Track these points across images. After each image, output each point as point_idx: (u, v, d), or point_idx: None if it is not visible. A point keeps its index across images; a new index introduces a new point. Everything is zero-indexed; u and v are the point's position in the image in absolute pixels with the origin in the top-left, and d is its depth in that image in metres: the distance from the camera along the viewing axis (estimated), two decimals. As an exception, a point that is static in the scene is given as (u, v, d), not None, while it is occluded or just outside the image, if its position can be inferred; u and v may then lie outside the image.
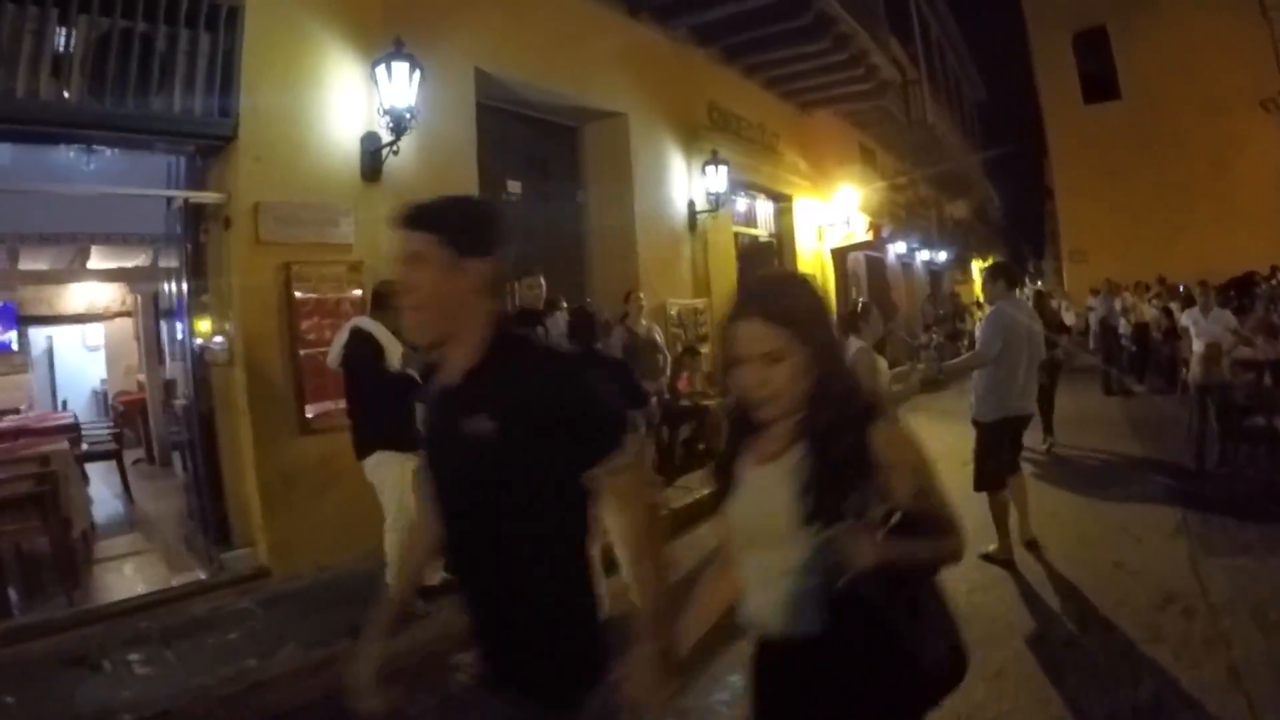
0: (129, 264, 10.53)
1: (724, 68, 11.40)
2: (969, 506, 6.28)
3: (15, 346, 11.03)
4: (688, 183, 10.29)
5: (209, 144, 5.81)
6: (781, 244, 13.10)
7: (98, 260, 10.50)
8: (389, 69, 6.14)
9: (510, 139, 8.84)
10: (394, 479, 4.75)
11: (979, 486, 5.50)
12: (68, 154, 6.08)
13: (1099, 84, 23.20)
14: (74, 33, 5.07)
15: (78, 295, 11.94)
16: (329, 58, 6.21)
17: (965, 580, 4.95)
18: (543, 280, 6.44)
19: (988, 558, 5.44)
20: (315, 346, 5.80)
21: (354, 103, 6.29)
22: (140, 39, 5.31)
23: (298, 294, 5.91)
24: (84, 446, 8.40)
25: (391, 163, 6.40)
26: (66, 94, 5.09)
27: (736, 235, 11.80)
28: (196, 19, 5.53)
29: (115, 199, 6.66)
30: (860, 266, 16.08)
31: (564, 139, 9.63)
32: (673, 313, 9.77)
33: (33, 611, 5.01)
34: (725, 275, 10.86)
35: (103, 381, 12.97)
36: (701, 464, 8.67)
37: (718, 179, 10.15)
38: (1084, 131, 23.07)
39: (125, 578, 5.83)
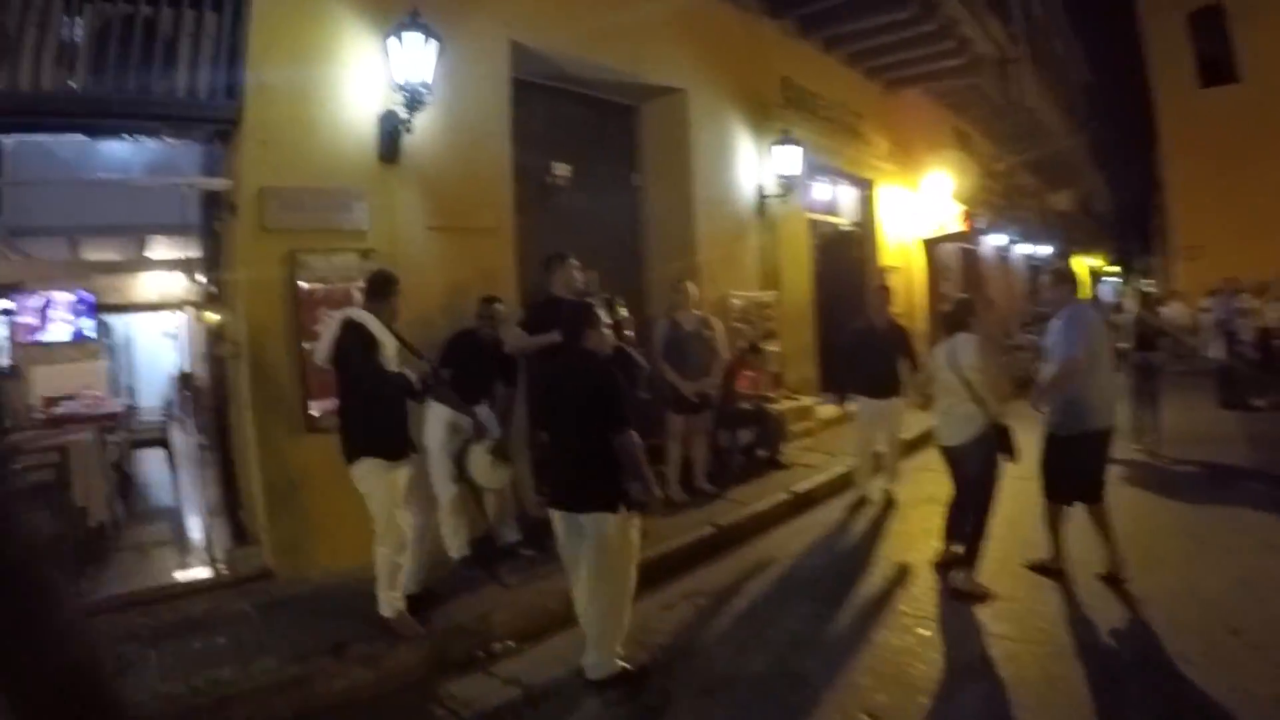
0: (185, 255, 10.24)
1: (799, 41, 10.41)
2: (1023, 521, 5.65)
3: (94, 334, 10.89)
4: (756, 165, 9.38)
5: (217, 128, 5.49)
6: (865, 234, 12.01)
7: (162, 251, 10.31)
8: (401, 40, 5.58)
9: (559, 119, 8.10)
10: (382, 490, 4.46)
11: (1054, 496, 5.20)
12: (112, 146, 5.83)
13: (1216, 66, 21.07)
14: (78, 21, 4.98)
15: (150, 284, 11.85)
16: (344, 31, 5.74)
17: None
18: (575, 264, 5.94)
19: (1040, 569, 5.19)
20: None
21: (371, 79, 5.78)
22: (143, 24, 5.15)
23: (303, 284, 5.50)
24: (117, 436, 8.02)
25: (412, 143, 5.91)
26: (72, 84, 4.98)
27: (814, 223, 10.83)
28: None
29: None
30: (953, 260, 14.80)
31: (620, 119, 8.80)
32: (736, 305, 8.86)
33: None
34: (798, 266, 9.95)
35: (179, 368, 12.81)
36: (761, 473, 7.87)
37: (789, 161, 9.19)
38: (1199, 117, 20.95)
39: (135, 570, 5.68)
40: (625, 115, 8.82)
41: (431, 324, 5.83)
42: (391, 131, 5.80)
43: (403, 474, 4.58)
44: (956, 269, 14.95)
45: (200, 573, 5.47)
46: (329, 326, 4.57)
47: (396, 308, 4.70)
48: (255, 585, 5.21)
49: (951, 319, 5.33)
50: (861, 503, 7.19)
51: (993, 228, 16.04)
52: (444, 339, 5.64)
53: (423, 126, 5.89)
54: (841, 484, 7.54)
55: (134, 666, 4.10)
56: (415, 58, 5.58)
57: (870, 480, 7.34)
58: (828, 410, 9.36)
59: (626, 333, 6.11)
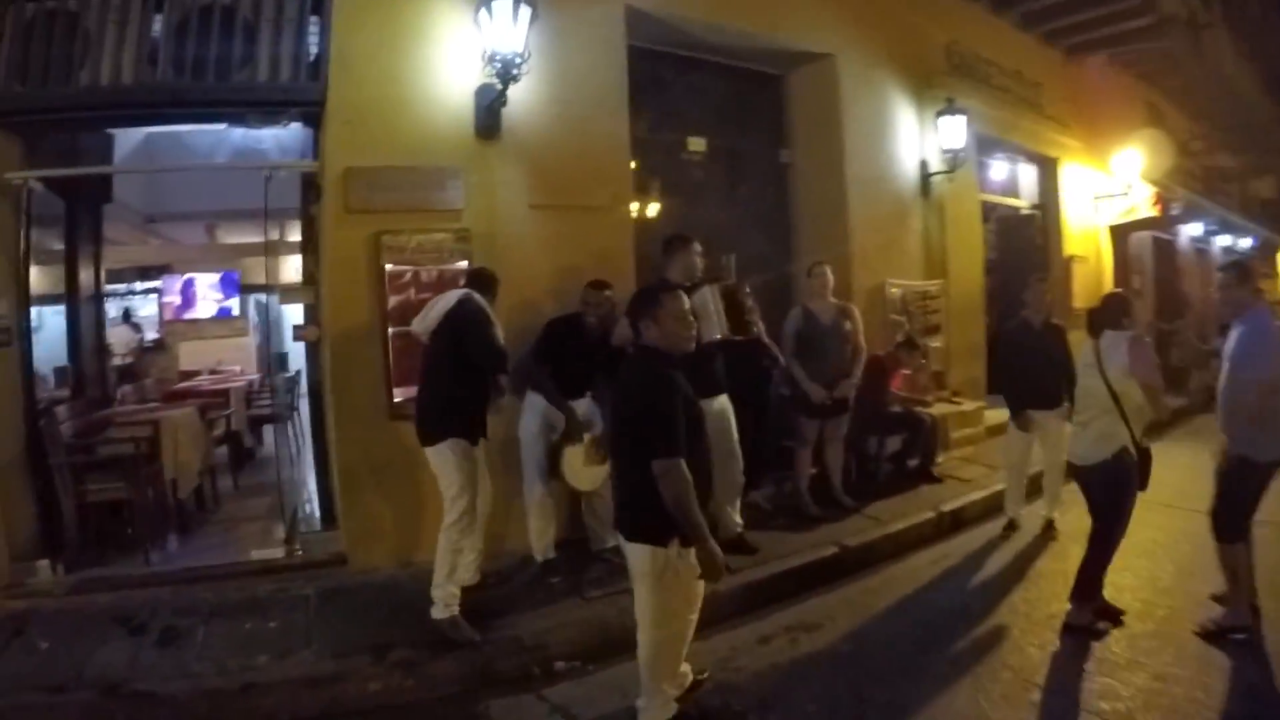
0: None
1: (966, 3, 9.10)
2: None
3: (237, 312, 11.28)
4: (919, 139, 8.12)
5: (303, 111, 5.30)
6: (1047, 218, 10.39)
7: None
8: (489, 8, 4.99)
9: (694, 90, 7.24)
10: (459, 471, 4.23)
11: (1225, 535, 4.23)
12: (236, 133, 6.09)
13: None
14: (162, 17, 5.06)
15: (291, 266, 11.92)
16: (432, 4, 5.33)
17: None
18: (697, 248, 5.08)
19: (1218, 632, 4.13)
20: (408, 324, 4.84)
21: (463, 53, 5.31)
22: (222, 11, 5.10)
23: (389, 266, 5.17)
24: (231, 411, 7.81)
25: (514, 117, 5.43)
26: (160, 76, 5.04)
27: (988, 205, 9.46)
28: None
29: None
30: (1146, 249, 12.82)
31: (766, 89, 7.81)
32: (894, 295, 7.66)
33: (112, 566, 5.10)
34: (969, 252, 8.62)
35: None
36: (914, 484, 6.68)
37: (954, 133, 7.88)
38: None
39: (218, 544, 5.70)
40: (771, 86, 7.83)
41: (536, 309, 5.37)
42: (488, 106, 5.31)
43: (479, 457, 4.39)
44: (1148, 260, 12.97)
45: (276, 553, 5.26)
46: (439, 300, 4.46)
47: (495, 307, 4.54)
48: (327, 571, 5.00)
49: (1100, 315, 4.46)
50: (1011, 529, 5.99)
51: (1188, 215, 13.85)
52: (544, 323, 5.11)
53: (527, 100, 5.42)
54: (999, 504, 6.32)
55: (181, 640, 4.08)
56: (506, 27, 4.99)
57: (1022, 504, 6.10)
58: (996, 415, 7.95)
59: (750, 321, 5.23)
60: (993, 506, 6.39)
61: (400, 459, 4.93)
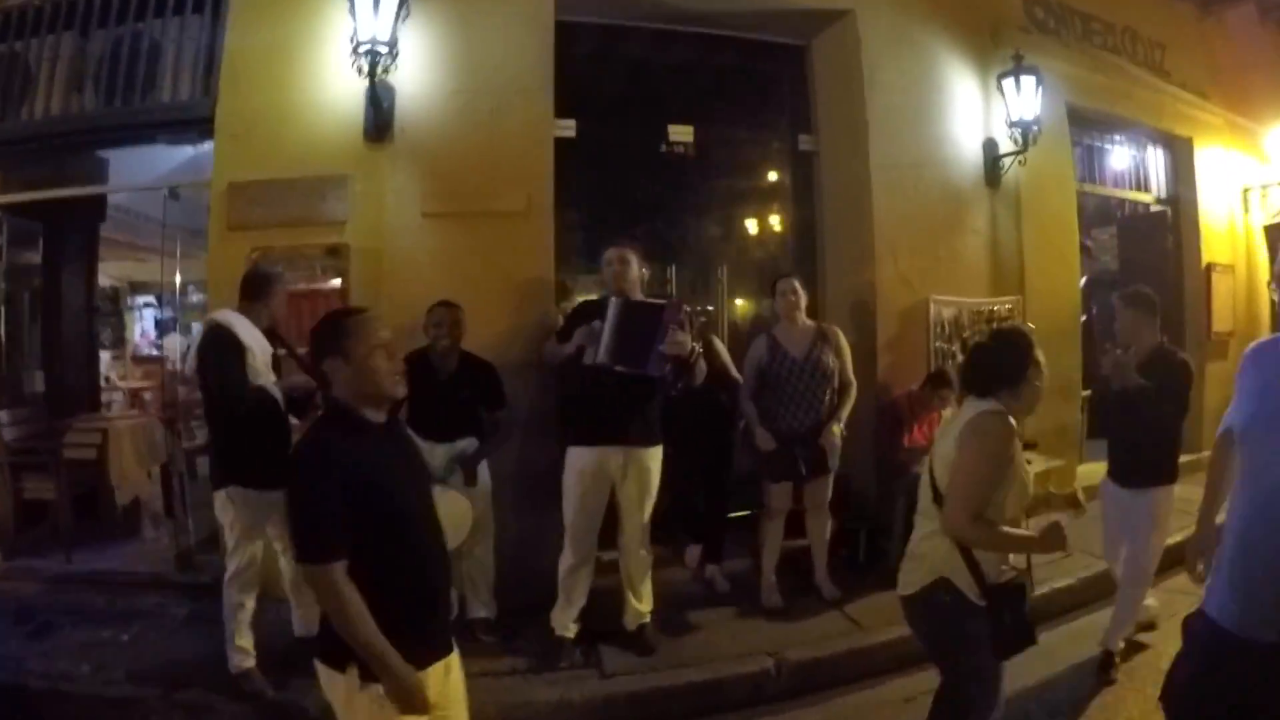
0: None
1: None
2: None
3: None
4: (983, 113, 5.94)
5: (199, 129, 4.95)
6: (1179, 214, 7.76)
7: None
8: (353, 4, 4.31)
9: (682, 70, 5.71)
10: (238, 521, 3.65)
11: None
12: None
13: None
14: (83, 46, 5.21)
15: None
16: (321, 4, 4.65)
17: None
18: (630, 257, 4.01)
19: None
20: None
21: (344, 49, 4.47)
22: (134, 37, 5.12)
23: None
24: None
25: (411, 116, 4.69)
26: (84, 105, 5.22)
27: (1089, 198, 7.24)
28: (184, 4, 5.04)
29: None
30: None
31: (783, 63, 5.99)
32: (943, 315, 5.54)
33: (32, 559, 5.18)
34: (1059, 260, 6.29)
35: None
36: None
37: (1027, 101, 5.65)
38: None
39: (131, 553, 5.42)
40: (789, 58, 6.00)
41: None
42: (374, 105, 4.57)
43: (273, 505, 3.55)
44: None
45: (168, 569, 4.99)
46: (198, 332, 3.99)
47: (274, 310, 3.86)
48: (211, 594, 4.23)
49: (976, 367, 2.63)
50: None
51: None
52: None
53: (426, 94, 4.71)
54: (1069, 604, 4.57)
55: (46, 637, 4.14)
56: (372, 14, 4.29)
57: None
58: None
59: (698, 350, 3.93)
60: (1059, 610, 4.50)
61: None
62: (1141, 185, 7.72)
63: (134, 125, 5.20)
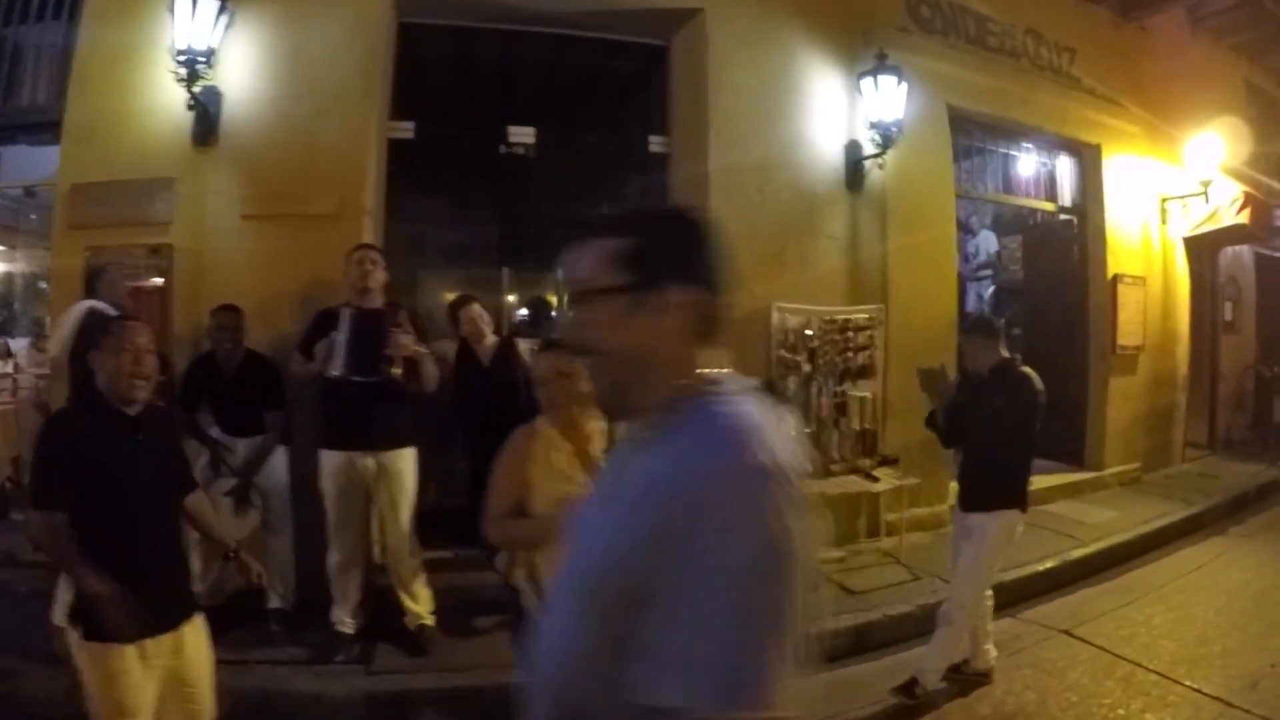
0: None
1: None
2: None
3: None
4: (847, 115, 5.63)
5: (55, 131, 4.81)
6: (1085, 223, 7.34)
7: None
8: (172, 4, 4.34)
9: (529, 70, 5.59)
10: None
11: None
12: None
13: None
14: None
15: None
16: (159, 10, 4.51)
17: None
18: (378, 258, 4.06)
19: None
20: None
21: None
22: (14, 41, 5.15)
23: None
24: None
25: (236, 121, 4.64)
26: None
27: (978, 206, 6.98)
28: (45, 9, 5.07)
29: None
30: (1243, 269, 9.28)
31: (639, 63, 5.74)
32: (788, 324, 5.29)
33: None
34: (931, 268, 5.94)
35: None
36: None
37: (889, 101, 5.35)
38: None
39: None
40: (646, 58, 5.73)
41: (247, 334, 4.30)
42: (198, 111, 4.55)
43: None
44: (1247, 282, 9.36)
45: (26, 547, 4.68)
46: (67, 316, 4.01)
47: (118, 301, 4.04)
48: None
49: None
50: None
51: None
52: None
53: (251, 99, 4.66)
54: (896, 632, 4.29)
55: None
56: (191, 21, 4.32)
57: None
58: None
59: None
60: (889, 640, 4.23)
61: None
62: (1049, 194, 7.33)
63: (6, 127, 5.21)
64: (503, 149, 5.37)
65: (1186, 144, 7.51)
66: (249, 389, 4.13)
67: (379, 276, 3.94)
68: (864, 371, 5.37)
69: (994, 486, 3.55)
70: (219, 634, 2.76)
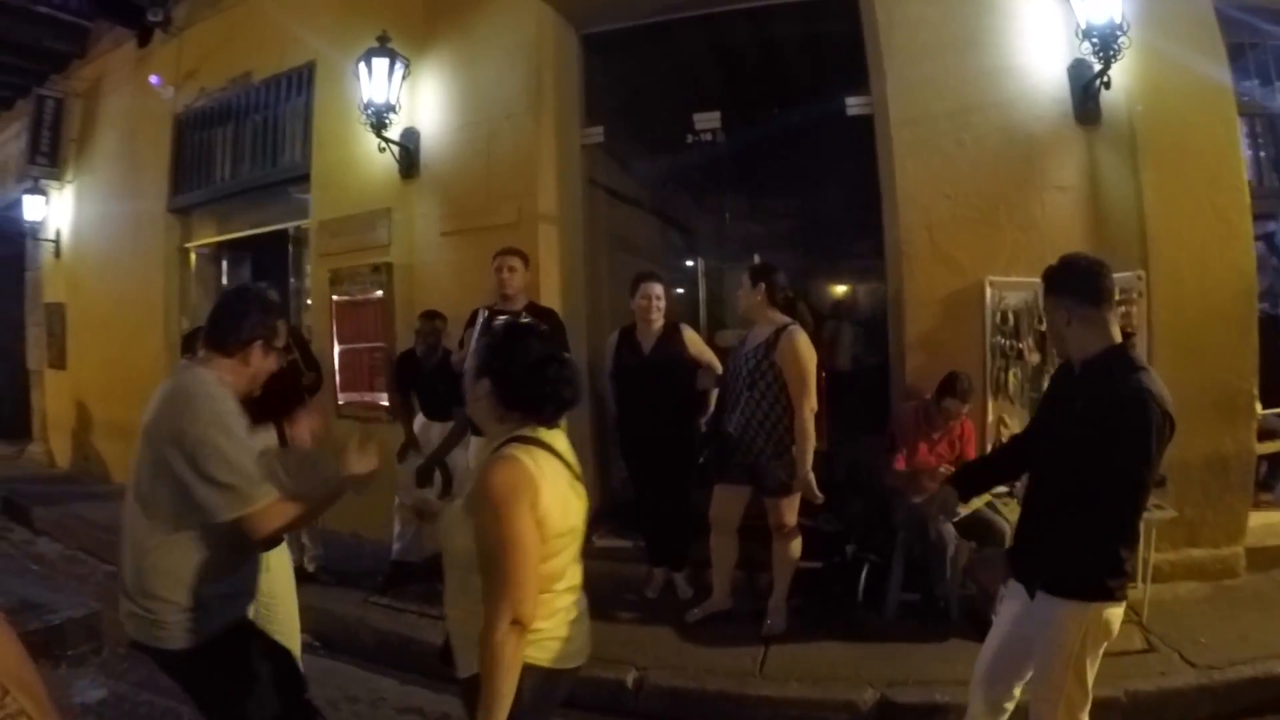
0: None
1: None
2: None
3: None
4: (1064, 31, 4.16)
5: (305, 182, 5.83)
6: None
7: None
8: (370, 65, 4.96)
9: (702, 55, 5.36)
10: None
11: None
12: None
13: None
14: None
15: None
16: None
17: None
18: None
19: None
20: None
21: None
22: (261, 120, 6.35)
23: (335, 298, 5.59)
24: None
25: (432, 154, 5.19)
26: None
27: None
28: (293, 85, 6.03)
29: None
30: None
31: (830, 18, 4.89)
32: (1006, 303, 4.17)
33: None
34: (1215, 218, 4.14)
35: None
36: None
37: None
38: None
39: None
40: (833, 16, 4.84)
41: (447, 335, 4.62)
42: (401, 150, 5.13)
43: None
44: None
45: None
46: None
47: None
48: None
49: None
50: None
51: None
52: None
53: (440, 132, 5.15)
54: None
55: None
56: (370, 80, 4.91)
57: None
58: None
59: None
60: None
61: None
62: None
63: (278, 182, 6.17)
64: (689, 138, 5.08)
65: None
66: (444, 384, 4.36)
67: (516, 280, 4.06)
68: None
69: (1059, 557, 2.08)
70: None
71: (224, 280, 6.79)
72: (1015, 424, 4.05)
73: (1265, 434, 4.93)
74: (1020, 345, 4.11)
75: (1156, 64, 4.08)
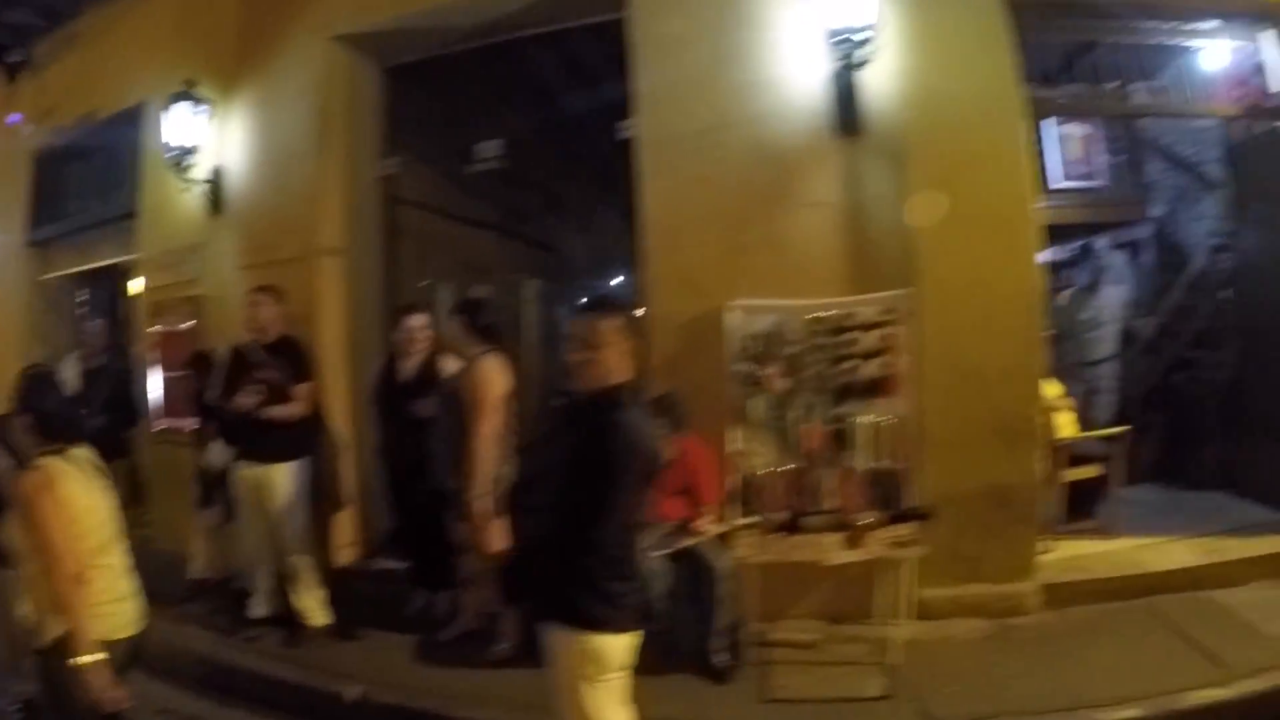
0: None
1: None
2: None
3: None
4: (821, 47, 3.86)
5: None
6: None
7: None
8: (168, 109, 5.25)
9: (484, 83, 5.17)
10: None
11: None
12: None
13: None
14: None
15: None
16: None
17: None
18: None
19: None
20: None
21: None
22: None
23: (157, 327, 5.75)
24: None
25: (238, 191, 5.31)
26: None
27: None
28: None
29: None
30: None
31: (602, 42, 4.75)
32: (749, 329, 3.85)
33: None
34: (998, 227, 3.87)
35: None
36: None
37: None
38: None
39: None
40: (606, 35, 4.62)
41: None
42: (211, 188, 5.26)
43: None
44: None
45: None
46: None
47: None
48: None
49: None
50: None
51: None
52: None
53: (244, 172, 5.24)
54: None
55: None
56: (186, 122, 5.15)
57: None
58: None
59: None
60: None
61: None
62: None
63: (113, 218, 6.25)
64: (479, 166, 4.97)
65: None
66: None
67: (262, 315, 4.13)
68: (877, 387, 3.72)
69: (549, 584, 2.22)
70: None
71: (75, 311, 6.90)
72: (761, 454, 3.74)
73: (1079, 459, 4.59)
74: (768, 371, 3.79)
75: (931, 67, 3.78)
